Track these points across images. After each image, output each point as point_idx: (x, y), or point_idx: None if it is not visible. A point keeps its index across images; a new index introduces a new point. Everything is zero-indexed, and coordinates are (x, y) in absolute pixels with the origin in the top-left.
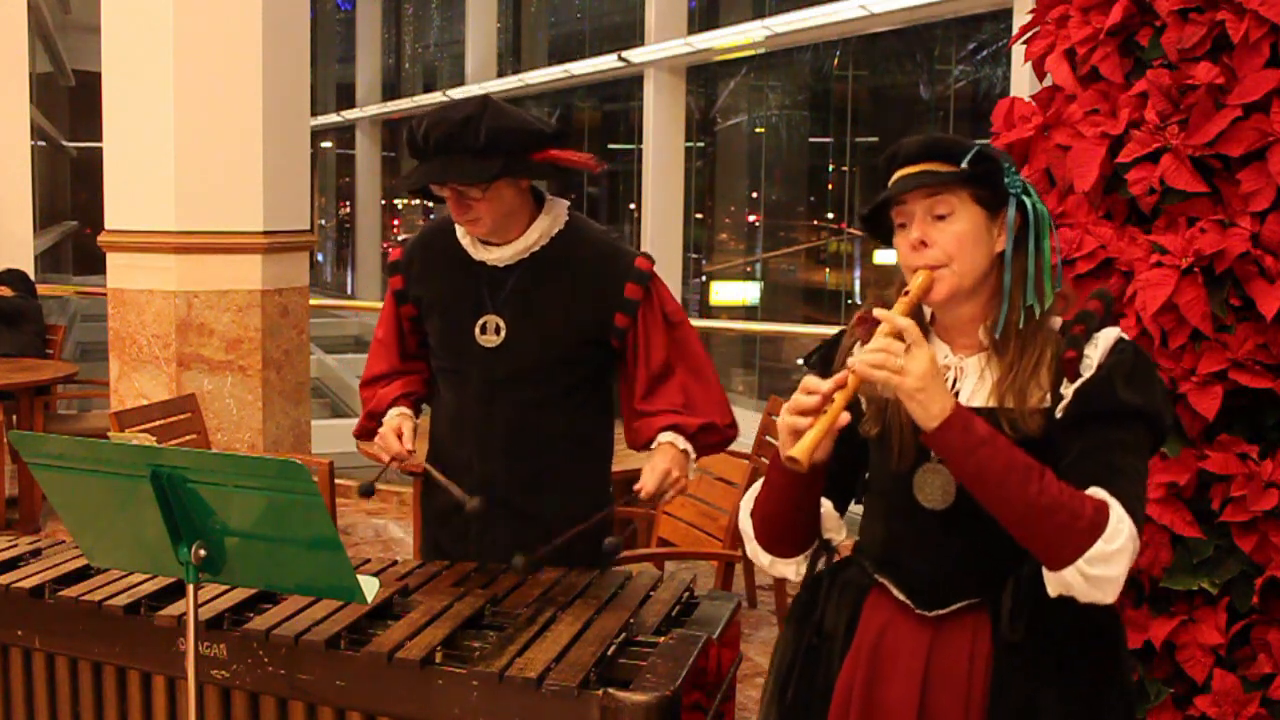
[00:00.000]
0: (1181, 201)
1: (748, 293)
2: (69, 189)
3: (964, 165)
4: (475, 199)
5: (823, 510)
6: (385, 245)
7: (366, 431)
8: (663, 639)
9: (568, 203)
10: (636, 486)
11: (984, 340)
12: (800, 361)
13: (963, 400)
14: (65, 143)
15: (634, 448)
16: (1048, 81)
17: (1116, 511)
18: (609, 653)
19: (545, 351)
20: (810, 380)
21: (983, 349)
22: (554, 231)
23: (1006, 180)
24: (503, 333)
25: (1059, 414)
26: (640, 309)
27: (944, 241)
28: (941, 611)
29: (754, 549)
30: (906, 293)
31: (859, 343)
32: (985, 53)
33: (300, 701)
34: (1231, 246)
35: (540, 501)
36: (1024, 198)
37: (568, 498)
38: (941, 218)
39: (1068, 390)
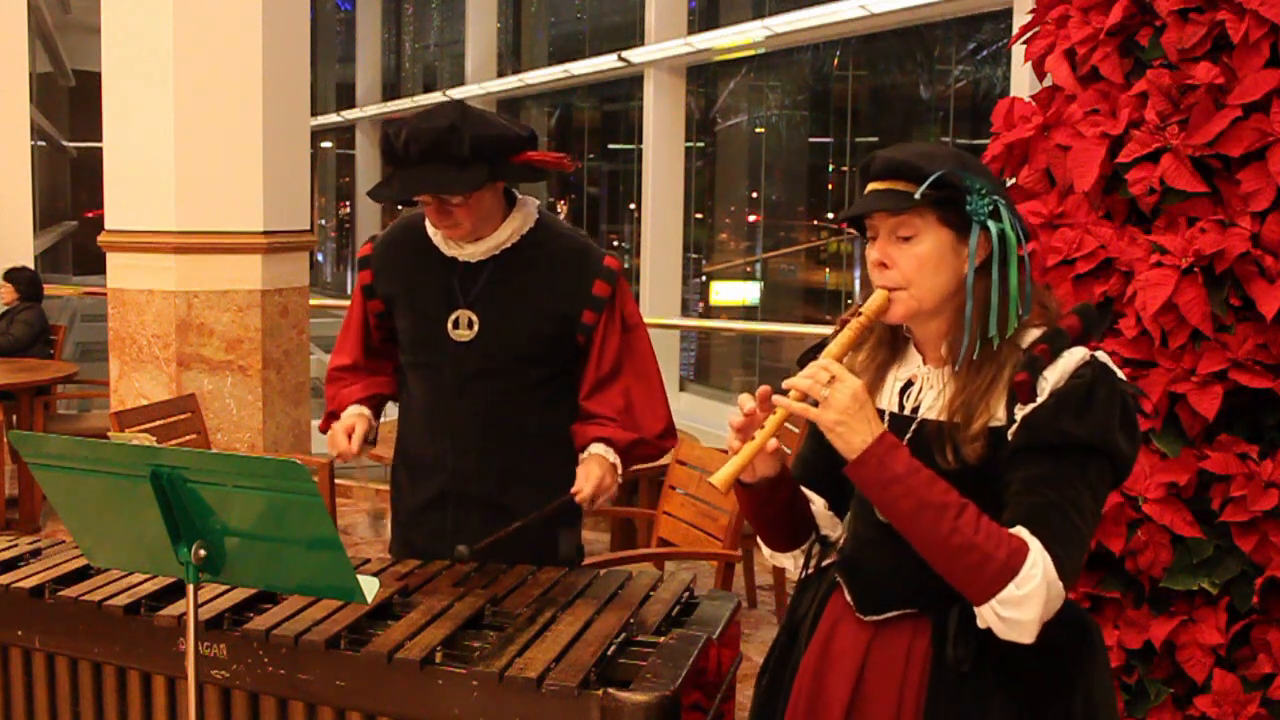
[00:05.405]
0: (1181, 201)
1: (748, 293)
2: (69, 189)
3: (918, 195)
4: (456, 205)
5: (814, 509)
6: None
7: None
8: (663, 639)
9: (538, 202)
10: (574, 489)
11: (945, 356)
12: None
13: (921, 412)
14: (65, 143)
15: None
16: (1048, 81)
17: (1033, 555)
18: (609, 653)
19: (517, 346)
20: (743, 398)
21: (946, 362)
22: (525, 229)
23: (969, 207)
24: (475, 327)
25: (1010, 437)
26: (605, 307)
27: (904, 264)
28: (877, 617)
29: (759, 539)
30: (860, 313)
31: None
32: (985, 53)
33: (300, 701)
34: (1231, 246)
35: (512, 496)
36: (990, 223)
37: (539, 493)
38: (905, 239)
39: (1019, 414)
